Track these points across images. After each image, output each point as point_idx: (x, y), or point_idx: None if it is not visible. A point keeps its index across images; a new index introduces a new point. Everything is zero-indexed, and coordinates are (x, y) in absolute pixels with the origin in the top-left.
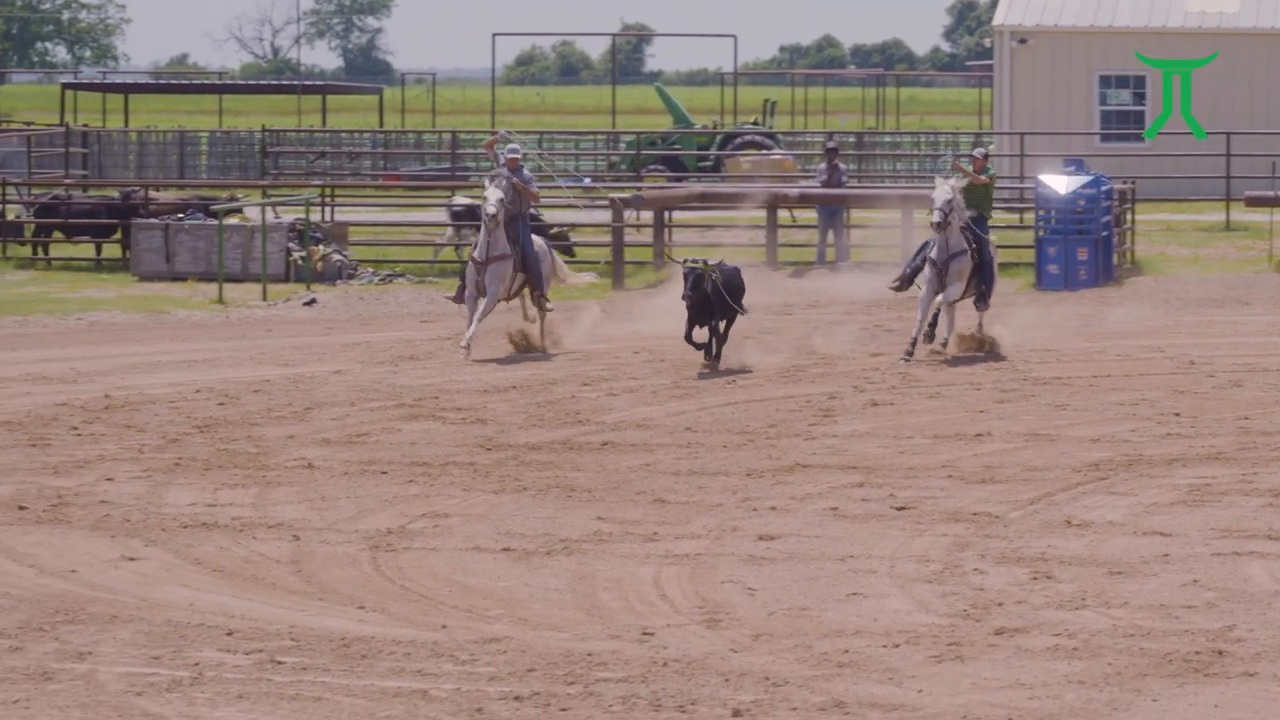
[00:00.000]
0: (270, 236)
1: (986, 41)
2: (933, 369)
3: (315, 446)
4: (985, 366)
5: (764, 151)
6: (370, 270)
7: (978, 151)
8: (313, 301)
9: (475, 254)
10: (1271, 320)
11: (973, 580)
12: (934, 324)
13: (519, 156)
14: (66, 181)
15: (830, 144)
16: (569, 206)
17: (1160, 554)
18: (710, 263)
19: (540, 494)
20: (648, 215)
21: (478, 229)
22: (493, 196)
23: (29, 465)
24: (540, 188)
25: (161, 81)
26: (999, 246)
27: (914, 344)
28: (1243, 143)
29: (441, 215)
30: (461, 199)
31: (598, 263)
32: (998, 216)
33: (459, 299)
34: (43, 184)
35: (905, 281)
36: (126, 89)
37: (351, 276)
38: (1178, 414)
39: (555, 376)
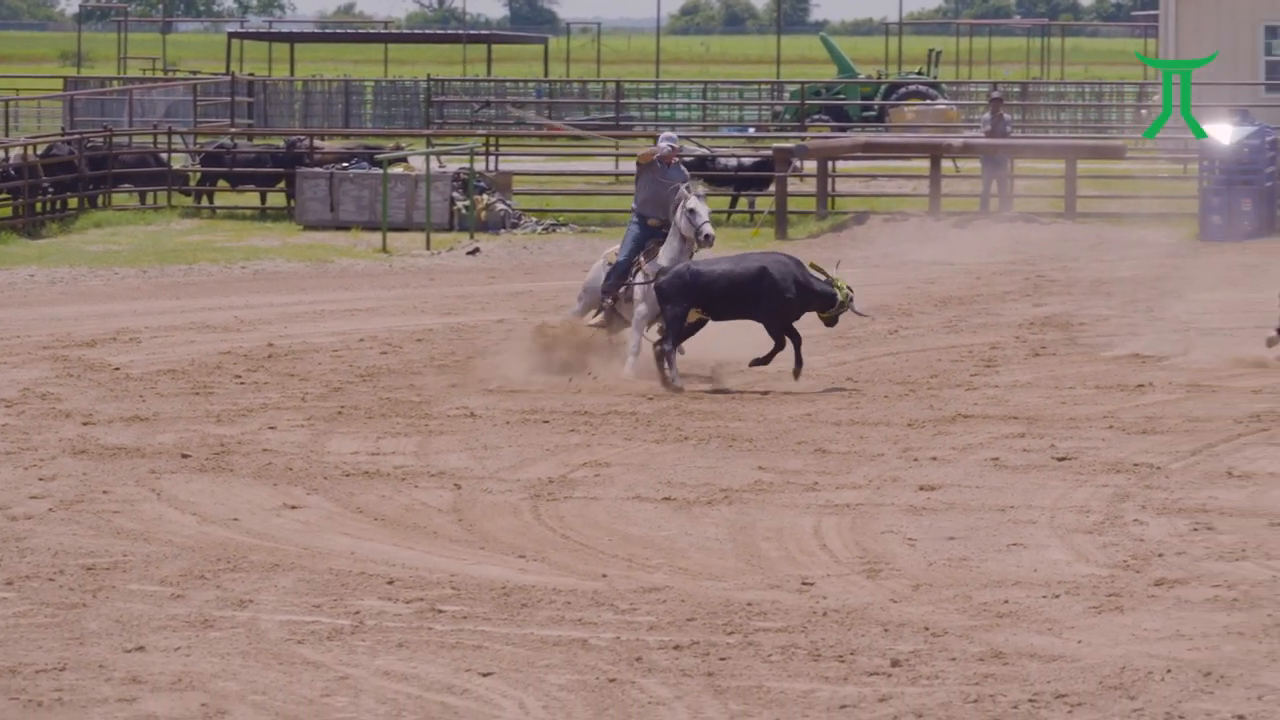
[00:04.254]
0: (434, 186)
1: None
2: (1097, 321)
3: (477, 395)
4: (1147, 319)
5: (928, 101)
6: (534, 219)
7: None
8: (476, 251)
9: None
10: None
11: (1133, 531)
12: None
13: (677, 148)
14: (232, 130)
15: (995, 94)
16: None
17: None
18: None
19: (701, 443)
20: (811, 165)
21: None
22: (703, 210)
23: (192, 413)
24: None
25: (327, 31)
26: (1167, 198)
27: None
28: None
29: (606, 165)
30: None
31: (761, 212)
32: (1162, 167)
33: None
34: (209, 133)
35: None
36: (292, 38)
37: (515, 226)
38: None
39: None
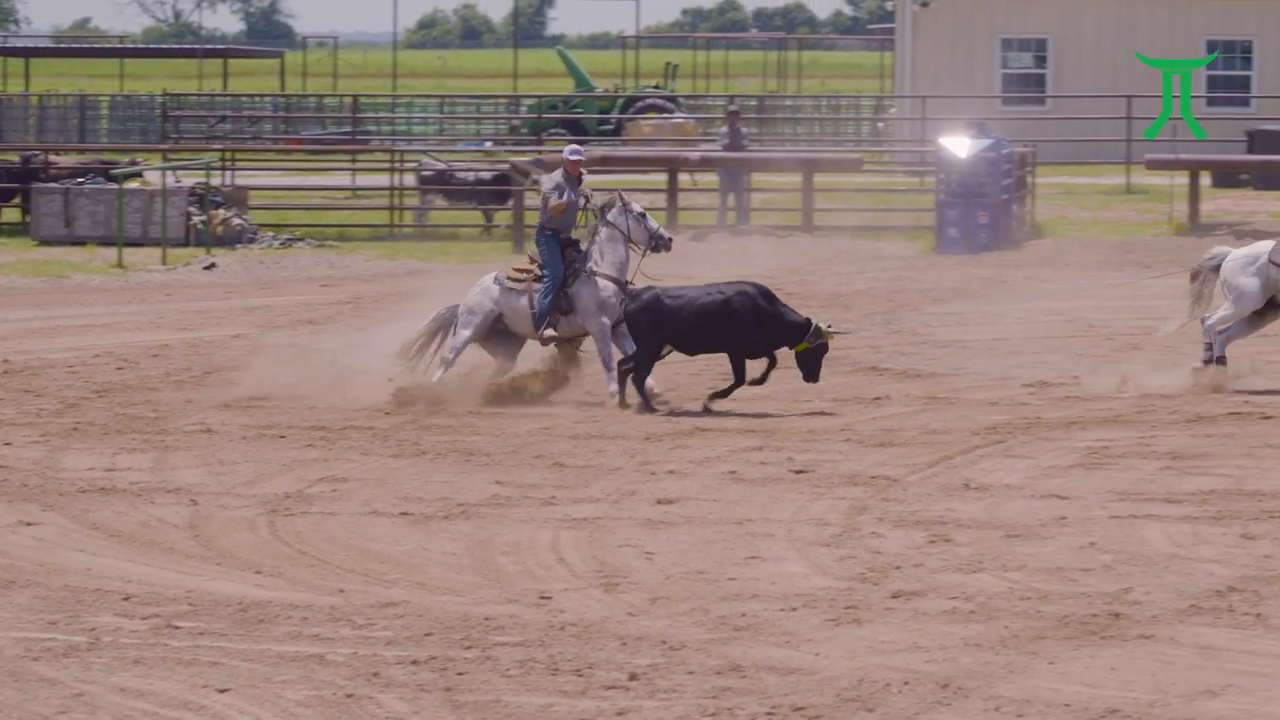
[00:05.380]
0: (170, 201)
1: (888, 5)
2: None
3: (214, 411)
4: (884, 331)
5: (665, 115)
6: (270, 234)
7: None
8: (212, 266)
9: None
10: (1170, 283)
11: (870, 543)
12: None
13: (582, 159)
14: None
15: (732, 107)
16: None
17: (1058, 517)
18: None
19: (439, 458)
20: None
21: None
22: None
23: None
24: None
25: (62, 45)
26: (903, 211)
27: None
28: (1143, 105)
29: (343, 180)
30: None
31: (498, 226)
32: (899, 180)
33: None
34: None
35: None
36: (27, 53)
37: (251, 241)
38: (1076, 376)
39: None
